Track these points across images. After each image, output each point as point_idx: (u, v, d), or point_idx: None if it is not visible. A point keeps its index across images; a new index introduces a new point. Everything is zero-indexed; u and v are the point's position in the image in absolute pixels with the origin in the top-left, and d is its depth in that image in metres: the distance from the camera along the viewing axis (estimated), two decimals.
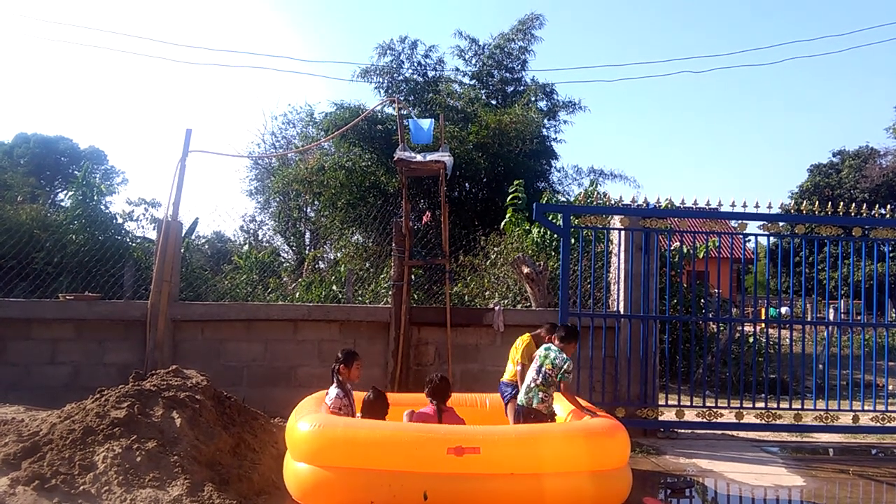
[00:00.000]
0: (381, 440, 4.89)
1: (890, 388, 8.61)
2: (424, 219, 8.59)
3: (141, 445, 4.81)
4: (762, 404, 8.36)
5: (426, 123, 8.18)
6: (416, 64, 21.41)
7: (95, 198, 12.87)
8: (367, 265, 13.45)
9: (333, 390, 5.88)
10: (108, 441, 4.82)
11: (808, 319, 9.16)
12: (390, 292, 8.50)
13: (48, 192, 28.96)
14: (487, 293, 11.48)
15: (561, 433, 5.22)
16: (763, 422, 8.25)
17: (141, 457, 4.74)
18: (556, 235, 10.55)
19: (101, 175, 37.55)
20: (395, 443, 4.87)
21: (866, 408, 8.43)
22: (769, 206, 8.31)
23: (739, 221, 8.46)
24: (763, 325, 9.82)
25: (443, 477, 4.79)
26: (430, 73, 21.55)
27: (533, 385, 5.74)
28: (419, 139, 8.13)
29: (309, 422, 5.05)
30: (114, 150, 78.06)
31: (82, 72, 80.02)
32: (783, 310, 13.20)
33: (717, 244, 11.27)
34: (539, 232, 12.05)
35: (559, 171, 21.86)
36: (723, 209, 8.32)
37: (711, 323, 10.25)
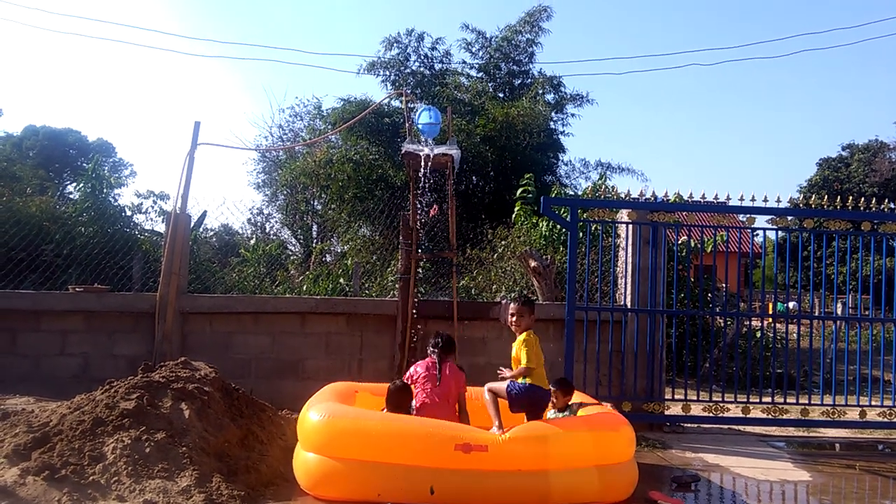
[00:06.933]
0: (389, 433, 4.91)
1: None
2: (431, 212, 8.59)
3: (150, 436, 4.85)
4: (769, 399, 8.34)
5: (428, 117, 8.12)
6: (422, 57, 21.37)
7: (104, 190, 12.90)
8: (374, 258, 13.46)
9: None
10: (117, 432, 4.86)
11: (816, 314, 9.11)
12: (397, 285, 8.51)
13: (57, 185, 29.04)
14: (494, 287, 11.48)
15: (567, 429, 5.22)
16: (770, 416, 8.23)
17: (150, 448, 4.77)
18: (563, 229, 10.53)
19: (109, 167, 37.69)
20: (403, 437, 4.89)
21: (874, 403, 8.40)
22: (777, 201, 8.27)
23: (747, 216, 8.42)
24: (770, 319, 9.79)
25: (450, 472, 4.81)
26: (437, 66, 21.50)
27: None
28: (430, 134, 8.13)
29: (319, 412, 5.09)
30: (122, 142, 78.33)
31: (91, 64, 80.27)
32: (791, 304, 13.16)
33: (724, 238, 11.23)
34: (547, 225, 12.03)
35: (567, 165, 21.84)
36: (731, 203, 8.28)
37: (718, 317, 10.23)
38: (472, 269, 12.27)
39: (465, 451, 4.76)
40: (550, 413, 5.88)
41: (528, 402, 5.44)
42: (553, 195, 13.34)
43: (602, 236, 8.57)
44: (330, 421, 4.99)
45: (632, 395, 8.15)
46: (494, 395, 5.45)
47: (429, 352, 5.98)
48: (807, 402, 8.29)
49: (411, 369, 5.94)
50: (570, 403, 5.99)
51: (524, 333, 5.54)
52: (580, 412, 5.80)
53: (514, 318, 5.66)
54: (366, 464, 4.88)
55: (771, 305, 11.88)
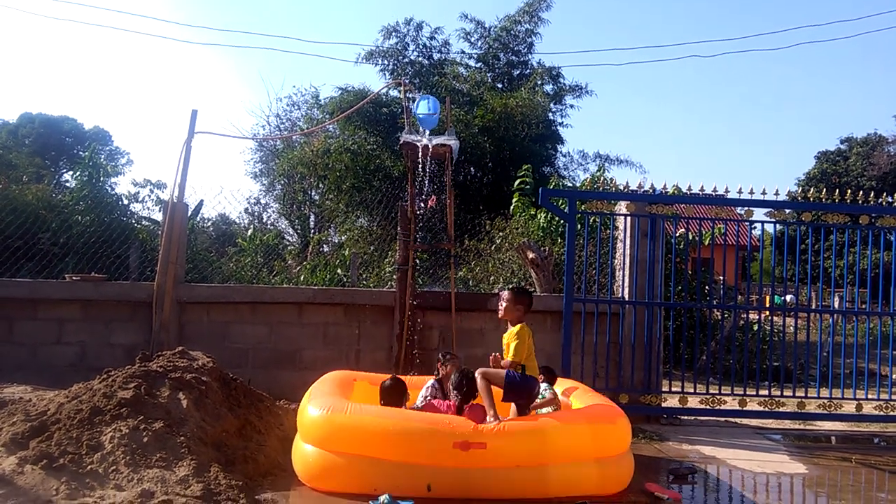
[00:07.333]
0: (387, 429, 4.88)
1: (894, 377, 8.60)
2: (430, 203, 8.58)
3: (148, 426, 4.84)
4: (766, 392, 8.36)
5: (426, 107, 8.08)
6: (421, 46, 21.29)
7: (101, 179, 12.85)
8: (372, 249, 13.45)
9: (430, 382, 5.99)
10: (115, 421, 4.85)
11: (813, 307, 9.12)
12: (395, 276, 8.50)
13: (53, 173, 28.97)
14: (492, 278, 11.47)
15: (564, 422, 5.22)
16: (766, 409, 8.26)
17: (148, 437, 4.76)
18: (561, 221, 10.52)
19: (106, 156, 37.57)
20: (402, 434, 4.87)
21: (870, 396, 8.43)
22: (776, 193, 8.27)
23: (745, 208, 8.42)
24: (767, 312, 9.81)
25: (447, 469, 4.80)
26: (436, 56, 21.43)
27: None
28: (428, 124, 8.10)
29: (319, 406, 5.09)
30: (119, 130, 78.11)
31: (87, 51, 79.86)
32: (788, 297, 13.17)
33: (722, 231, 11.23)
34: (545, 217, 12.02)
35: (565, 156, 21.80)
36: (729, 196, 8.28)
37: (716, 310, 10.23)
38: (470, 260, 12.26)
39: (463, 449, 4.74)
40: (544, 409, 5.83)
41: (523, 392, 5.43)
42: (551, 187, 13.31)
43: (600, 228, 8.57)
44: (330, 416, 4.98)
45: (629, 387, 8.17)
46: (488, 382, 5.33)
47: (452, 395, 5.58)
48: (803, 395, 8.31)
49: (433, 400, 5.80)
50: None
51: (517, 326, 5.47)
52: (569, 398, 5.89)
53: (505, 305, 5.60)
54: (363, 459, 4.87)
55: (768, 298, 11.90)
